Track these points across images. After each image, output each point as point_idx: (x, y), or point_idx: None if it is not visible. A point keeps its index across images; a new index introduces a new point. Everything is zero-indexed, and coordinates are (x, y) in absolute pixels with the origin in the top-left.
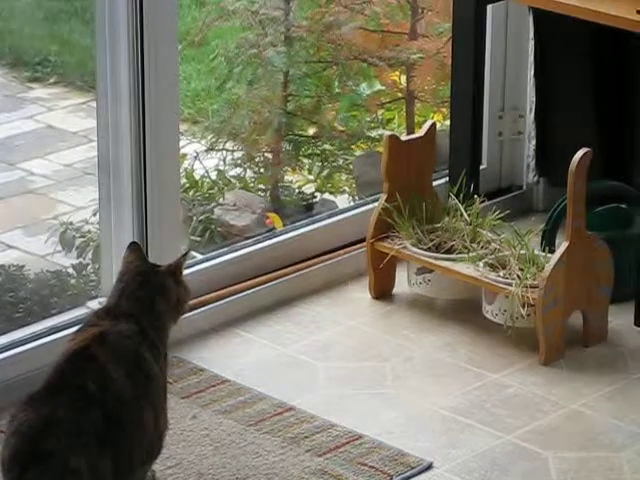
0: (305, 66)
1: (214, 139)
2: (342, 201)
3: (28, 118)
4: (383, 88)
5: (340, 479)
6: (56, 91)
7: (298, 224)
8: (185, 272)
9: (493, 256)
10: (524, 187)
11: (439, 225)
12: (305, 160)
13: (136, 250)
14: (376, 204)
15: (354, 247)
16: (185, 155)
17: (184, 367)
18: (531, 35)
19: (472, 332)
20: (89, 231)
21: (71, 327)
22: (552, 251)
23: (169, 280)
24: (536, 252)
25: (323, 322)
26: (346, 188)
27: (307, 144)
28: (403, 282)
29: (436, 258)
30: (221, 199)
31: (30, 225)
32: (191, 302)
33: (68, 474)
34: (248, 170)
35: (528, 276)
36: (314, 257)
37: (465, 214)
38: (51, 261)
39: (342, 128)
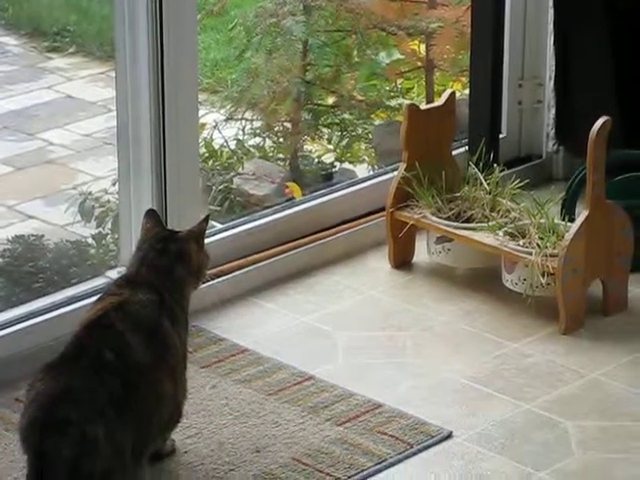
0: (324, 35)
1: (233, 109)
2: (361, 170)
3: (47, 88)
4: (402, 57)
5: (360, 448)
6: (75, 61)
7: (317, 193)
8: (205, 241)
9: (513, 225)
10: (544, 156)
11: (459, 194)
12: (324, 129)
13: (153, 217)
14: (395, 173)
15: (373, 216)
16: (204, 125)
17: (204, 336)
18: (550, 3)
19: (492, 301)
20: (108, 201)
21: (90, 297)
22: (572, 220)
23: (189, 246)
24: (556, 221)
25: (343, 291)
26: (365, 157)
27: (326, 113)
28: (423, 251)
29: (456, 227)
30: (240, 169)
31: (49, 195)
32: (210, 272)
33: (86, 442)
34: (267, 139)
35: (548, 245)
36: (333, 226)
37: (485, 183)
38: (70, 231)
39: (361, 97)
